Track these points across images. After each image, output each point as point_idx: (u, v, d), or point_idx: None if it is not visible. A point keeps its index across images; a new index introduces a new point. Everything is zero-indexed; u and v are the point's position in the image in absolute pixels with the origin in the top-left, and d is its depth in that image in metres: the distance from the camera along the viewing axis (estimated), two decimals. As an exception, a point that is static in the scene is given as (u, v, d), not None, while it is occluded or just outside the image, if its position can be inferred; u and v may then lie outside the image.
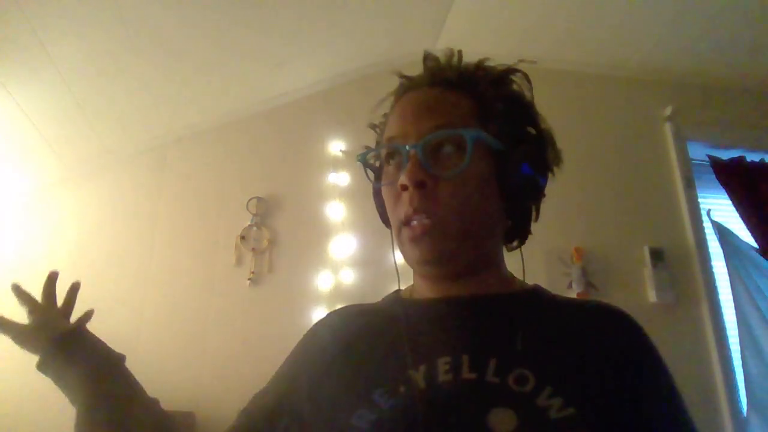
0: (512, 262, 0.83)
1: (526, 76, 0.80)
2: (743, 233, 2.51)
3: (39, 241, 2.15)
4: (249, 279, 2.14)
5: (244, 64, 2.23)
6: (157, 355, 2.02)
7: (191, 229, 2.23)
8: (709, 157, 2.63)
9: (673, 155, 2.60)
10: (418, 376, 0.63)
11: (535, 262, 2.25)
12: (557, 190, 2.81)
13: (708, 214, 2.53)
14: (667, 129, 2.64)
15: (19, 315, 0.80)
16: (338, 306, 0.81)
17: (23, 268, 2.09)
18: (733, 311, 2.37)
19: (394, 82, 0.83)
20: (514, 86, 0.79)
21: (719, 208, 2.58)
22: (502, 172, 0.71)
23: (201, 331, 2.09)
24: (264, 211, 2.26)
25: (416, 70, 2.56)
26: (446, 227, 0.67)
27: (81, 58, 1.89)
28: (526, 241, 0.84)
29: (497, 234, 0.76)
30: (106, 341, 0.82)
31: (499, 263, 0.78)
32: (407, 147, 0.69)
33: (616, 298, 2.28)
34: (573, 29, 2.48)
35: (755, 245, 2.47)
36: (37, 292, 0.80)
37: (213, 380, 2.01)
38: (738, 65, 2.70)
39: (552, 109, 2.90)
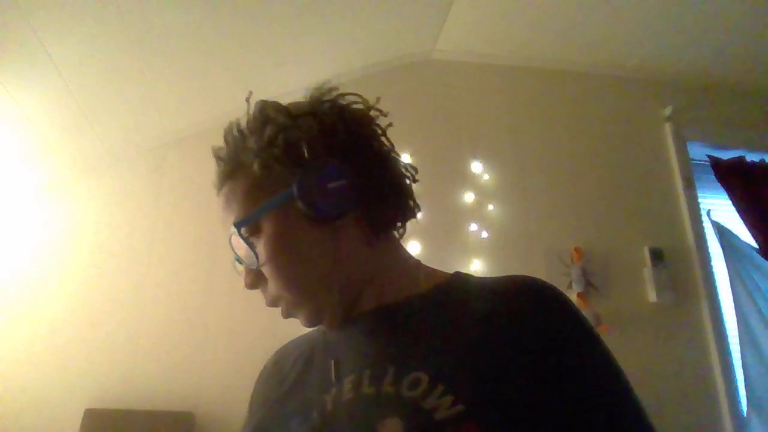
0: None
1: (262, 109, 0.76)
2: (743, 233, 2.51)
3: (38, 242, 2.15)
4: (249, 279, 2.13)
5: (244, 64, 2.23)
6: (156, 356, 2.02)
7: (191, 230, 2.23)
8: (709, 157, 2.63)
9: (673, 155, 2.61)
10: (329, 398, 0.64)
11: (535, 262, 2.25)
12: (557, 190, 2.81)
13: (708, 214, 2.53)
14: (667, 129, 2.65)
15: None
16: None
17: (22, 270, 2.10)
18: (733, 311, 2.37)
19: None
20: (271, 123, 0.73)
21: (719, 208, 2.58)
22: (305, 212, 0.67)
23: (201, 331, 2.09)
24: (264, 211, 2.25)
25: (416, 71, 2.57)
26: (294, 303, 0.71)
27: (81, 59, 1.89)
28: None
29: (355, 252, 0.72)
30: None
31: (391, 266, 0.75)
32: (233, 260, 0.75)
33: (617, 298, 2.29)
34: (573, 29, 2.48)
35: (755, 245, 2.48)
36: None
37: (213, 381, 2.01)
38: (738, 65, 2.71)
39: (552, 108, 2.91)
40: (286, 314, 0.73)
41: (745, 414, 2.21)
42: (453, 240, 2.28)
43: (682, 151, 2.61)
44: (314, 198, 0.66)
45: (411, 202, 0.77)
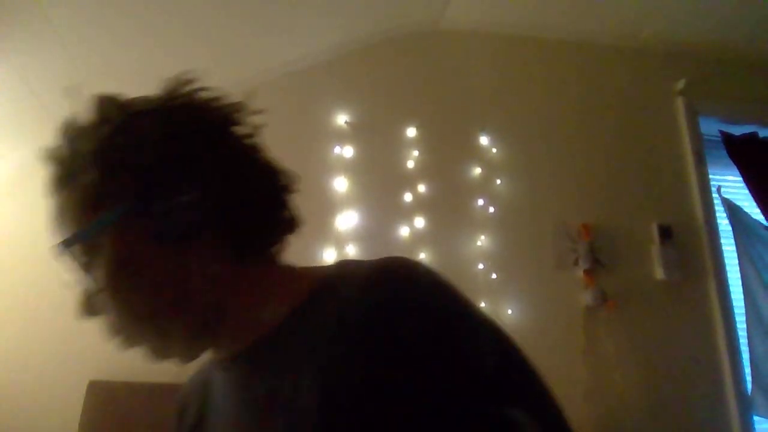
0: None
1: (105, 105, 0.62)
2: (754, 211, 2.47)
3: (37, 212, 2.12)
4: (252, 252, 2.10)
5: (249, 31, 2.17)
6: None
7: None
8: (721, 132, 2.58)
9: (684, 130, 2.55)
10: None
11: (542, 238, 2.23)
12: (566, 165, 2.75)
13: (718, 190, 2.50)
14: (679, 103, 2.59)
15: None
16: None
17: (22, 240, 2.08)
18: (741, 289, 2.35)
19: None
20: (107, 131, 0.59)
21: (729, 185, 2.54)
22: (149, 229, 0.58)
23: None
24: (267, 183, 2.22)
25: (422, 41, 2.49)
26: (137, 335, 0.61)
27: (81, 23, 1.84)
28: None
29: (213, 276, 0.61)
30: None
31: (260, 287, 0.65)
32: None
33: (624, 275, 2.27)
34: (585, -1, 2.41)
35: (765, 223, 2.44)
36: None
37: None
38: (754, 38, 2.63)
39: (562, 81, 2.83)
40: (129, 345, 0.62)
41: (749, 392, 2.21)
42: (459, 215, 2.25)
43: (693, 126, 2.56)
44: (158, 212, 0.57)
45: (287, 214, 0.67)
